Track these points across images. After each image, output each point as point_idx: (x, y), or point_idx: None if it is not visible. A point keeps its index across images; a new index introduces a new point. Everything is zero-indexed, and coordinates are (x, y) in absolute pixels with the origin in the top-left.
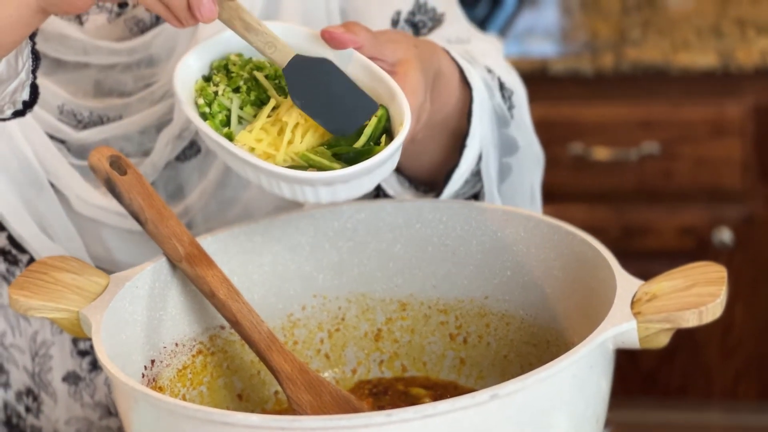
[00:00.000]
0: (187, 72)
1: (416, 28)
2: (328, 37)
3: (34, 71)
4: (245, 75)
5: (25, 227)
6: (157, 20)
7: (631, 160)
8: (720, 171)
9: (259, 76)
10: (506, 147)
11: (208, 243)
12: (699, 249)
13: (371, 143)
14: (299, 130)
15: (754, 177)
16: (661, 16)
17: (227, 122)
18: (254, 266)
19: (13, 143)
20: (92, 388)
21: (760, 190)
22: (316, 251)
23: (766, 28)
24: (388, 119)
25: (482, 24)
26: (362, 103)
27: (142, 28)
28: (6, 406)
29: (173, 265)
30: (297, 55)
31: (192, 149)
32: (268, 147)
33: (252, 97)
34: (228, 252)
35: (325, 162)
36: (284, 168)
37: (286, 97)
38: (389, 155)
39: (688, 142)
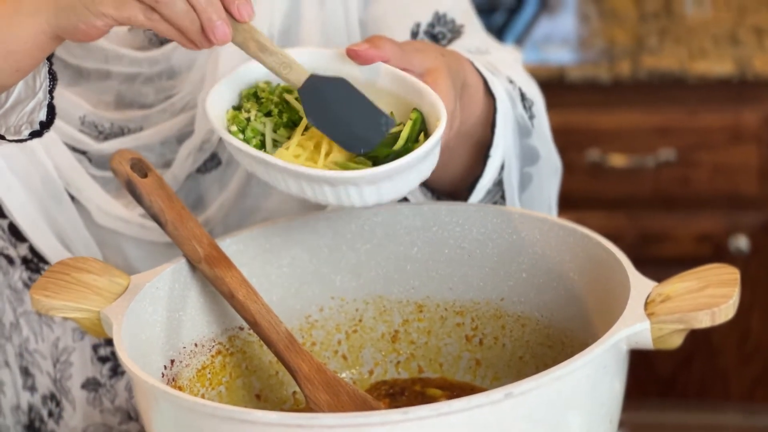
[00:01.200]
0: (218, 104)
1: (436, 39)
2: (354, 55)
3: (51, 91)
4: (275, 99)
5: (45, 239)
6: None
7: (648, 166)
8: (737, 178)
9: (290, 98)
10: (527, 157)
11: (227, 244)
12: (715, 256)
13: (409, 144)
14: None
15: None
16: (679, 24)
17: (262, 146)
18: (273, 268)
19: (35, 156)
20: (113, 393)
21: None
22: (334, 253)
23: None
24: (423, 122)
25: (500, 31)
26: (379, 120)
27: (161, 38)
28: (31, 409)
29: (193, 266)
30: (312, 75)
31: (213, 161)
32: (306, 161)
33: (284, 120)
34: (247, 253)
35: (366, 165)
36: (328, 171)
37: None
38: (431, 147)
39: (705, 149)
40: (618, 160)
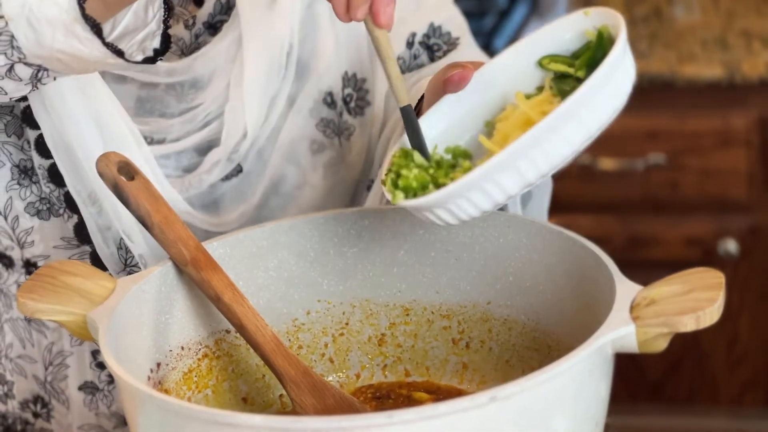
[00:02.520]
0: None
1: (431, 50)
2: (453, 88)
3: (165, 21)
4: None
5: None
6: (197, 39)
7: (637, 170)
8: (726, 182)
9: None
10: None
11: (214, 248)
12: (704, 260)
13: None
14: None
15: (759, 188)
16: (668, 29)
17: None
18: (260, 271)
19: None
20: (110, 399)
21: (766, 201)
22: (321, 257)
23: None
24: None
25: (490, 35)
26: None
27: (182, 47)
28: (5, 416)
29: (179, 269)
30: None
31: (233, 170)
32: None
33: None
34: (234, 257)
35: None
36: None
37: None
38: (623, 47)
39: (694, 153)
40: (607, 163)
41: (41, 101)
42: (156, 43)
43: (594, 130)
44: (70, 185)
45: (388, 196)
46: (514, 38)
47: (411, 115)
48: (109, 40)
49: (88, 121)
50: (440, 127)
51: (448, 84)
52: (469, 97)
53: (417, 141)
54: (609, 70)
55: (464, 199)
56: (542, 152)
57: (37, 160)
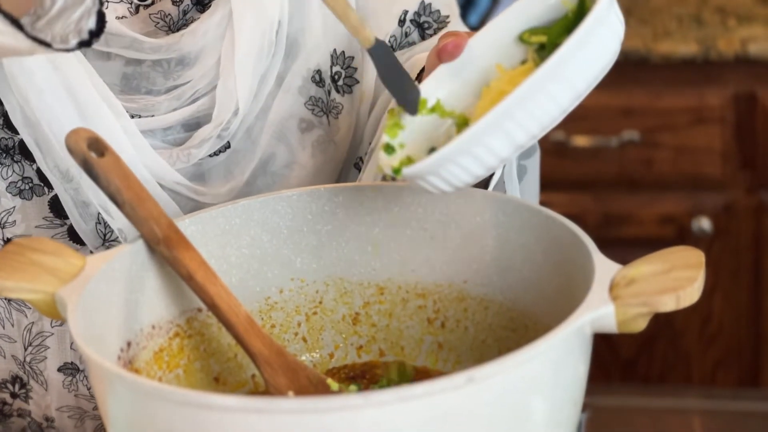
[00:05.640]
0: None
1: (422, 28)
2: (447, 56)
3: None
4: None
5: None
6: (184, 16)
7: (611, 148)
8: (700, 159)
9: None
10: (526, 150)
11: (186, 225)
12: (679, 237)
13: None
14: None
15: (734, 166)
16: (642, 5)
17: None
18: (232, 249)
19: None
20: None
21: (740, 178)
22: (295, 234)
23: (747, 17)
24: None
25: (463, 13)
26: (413, 84)
27: (169, 23)
28: None
29: (151, 247)
30: (377, 38)
31: (221, 146)
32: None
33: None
34: (206, 234)
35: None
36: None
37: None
38: (607, 2)
39: (669, 131)
40: (582, 140)
41: (3, 78)
42: (92, 23)
43: (582, 89)
44: (41, 162)
45: (382, 165)
46: (486, 16)
47: (379, 53)
48: (46, 18)
49: (60, 97)
50: (438, 95)
51: (442, 53)
52: (464, 68)
53: (393, 83)
54: (593, 25)
55: (455, 164)
56: (528, 113)
57: (8, 136)
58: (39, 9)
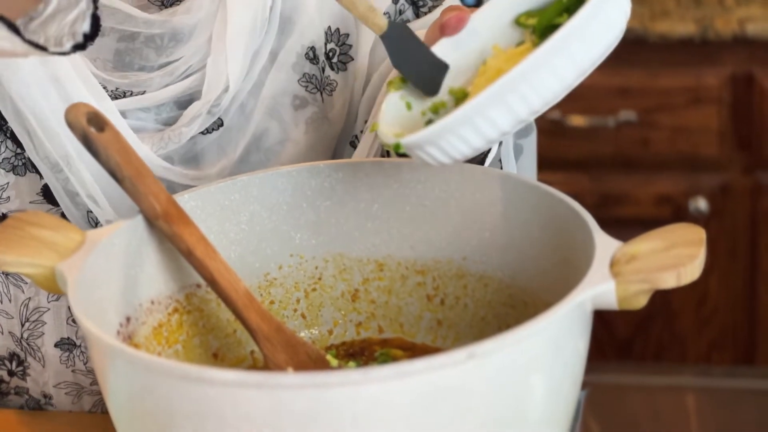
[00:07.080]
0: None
1: (416, 6)
2: (450, 30)
3: (95, 0)
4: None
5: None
6: None
7: (608, 127)
8: (697, 140)
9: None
10: (522, 129)
11: (186, 200)
12: (675, 217)
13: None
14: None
15: (730, 146)
16: None
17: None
18: (231, 224)
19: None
20: (87, 355)
21: (737, 159)
22: (294, 210)
23: None
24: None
25: None
26: (436, 62)
27: (164, 1)
28: None
29: (149, 222)
30: (391, 22)
31: (214, 123)
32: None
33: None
34: (205, 210)
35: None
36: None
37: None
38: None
39: (666, 111)
40: (578, 120)
41: None
42: (86, 26)
43: (586, 65)
44: (31, 152)
45: (381, 136)
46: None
47: (393, 36)
48: (39, 20)
49: (43, 87)
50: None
51: (445, 27)
52: (463, 43)
53: (408, 67)
54: (600, 1)
55: (455, 135)
56: (532, 87)
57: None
58: (32, 11)
